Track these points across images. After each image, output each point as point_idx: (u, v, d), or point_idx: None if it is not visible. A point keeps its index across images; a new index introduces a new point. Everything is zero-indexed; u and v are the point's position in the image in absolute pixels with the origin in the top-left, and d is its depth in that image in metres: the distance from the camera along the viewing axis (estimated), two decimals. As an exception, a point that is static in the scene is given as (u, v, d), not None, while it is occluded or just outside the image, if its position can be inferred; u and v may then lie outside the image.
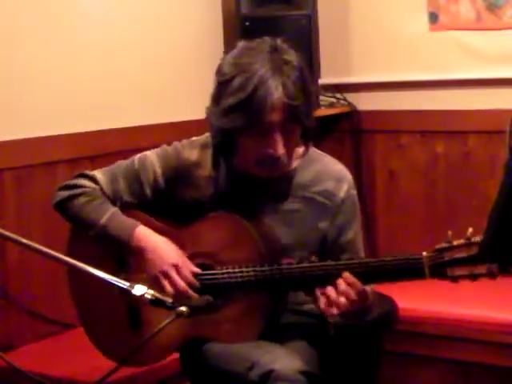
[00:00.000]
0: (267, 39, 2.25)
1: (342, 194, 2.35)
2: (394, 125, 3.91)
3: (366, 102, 3.97)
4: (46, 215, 3.06)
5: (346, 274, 2.15)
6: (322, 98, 3.85)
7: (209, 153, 2.35)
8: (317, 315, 2.47)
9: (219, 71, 2.23)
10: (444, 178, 3.82)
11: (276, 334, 2.32)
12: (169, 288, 2.24)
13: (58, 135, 3.21)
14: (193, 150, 2.37)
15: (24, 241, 1.85)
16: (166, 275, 2.25)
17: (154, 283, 2.24)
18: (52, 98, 3.20)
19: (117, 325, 2.38)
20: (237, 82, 2.16)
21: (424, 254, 2.15)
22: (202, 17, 3.78)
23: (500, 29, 3.63)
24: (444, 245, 2.14)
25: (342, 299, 2.15)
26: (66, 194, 2.36)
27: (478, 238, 2.10)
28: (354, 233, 2.38)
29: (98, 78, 3.37)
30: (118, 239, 2.30)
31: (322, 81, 3.79)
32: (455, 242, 2.12)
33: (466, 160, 3.76)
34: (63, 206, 2.37)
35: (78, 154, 3.25)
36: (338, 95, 3.98)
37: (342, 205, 2.35)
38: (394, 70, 3.89)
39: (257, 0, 3.70)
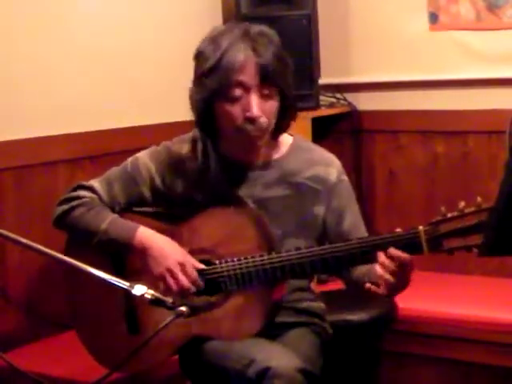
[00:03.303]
0: (244, 23, 2.33)
1: (332, 178, 2.38)
2: (394, 125, 3.91)
3: (365, 102, 3.97)
4: (46, 215, 3.04)
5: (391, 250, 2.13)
6: (322, 97, 3.85)
7: (199, 145, 2.40)
8: (314, 314, 2.47)
9: (195, 51, 2.32)
10: (444, 177, 3.81)
11: (274, 331, 2.33)
12: (174, 286, 2.25)
13: (58, 135, 3.20)
14: (183, 144, 2.41)
15: (24, 241, 1.85)
16: (172, 273, 2.26)
17: (159, 281, 2.26)
18: (52, 98, 3.20)
19: (115, 330, 2.38)
20: (207, 51, 2.26)
21: (420, 228, 2.16)
22: (202, 17, 3.78)
23: (500, 29, 3.63)
24: (439, 218, 2.15)
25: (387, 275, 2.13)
26: (65, 207, 2.39)
27: (470, 209, 2.11)
28: (354, 216, 2.39)
29: (98, 78, 3.36)
30: (121, 242, 2.31)
31: (321, 81, 3.79)
32: (449, 215, 2.14)
33: (466, 160, 3.76)
34: (63, 220, 2.40)
35: (77, 154, 3.25)
36: (338, 95, 3.98)
37: (334, 189, 2.38)
38: (393, 70, 3.89)
39: (257, 0, 3.70)
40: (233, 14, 3.73)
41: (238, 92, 2.23)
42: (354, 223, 2.37)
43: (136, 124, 3.48)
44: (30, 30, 3.12)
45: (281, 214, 2.34)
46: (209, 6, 3.82)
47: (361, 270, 2.29)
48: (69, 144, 3.23)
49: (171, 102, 3.61)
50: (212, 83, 2.23)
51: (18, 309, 3.07)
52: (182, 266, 2.26)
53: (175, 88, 3.61)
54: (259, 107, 2.23)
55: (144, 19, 3.55)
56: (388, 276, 2.11)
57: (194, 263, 2.28)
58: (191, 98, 2.32)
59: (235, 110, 2.25)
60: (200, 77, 2.27)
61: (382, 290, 2.16)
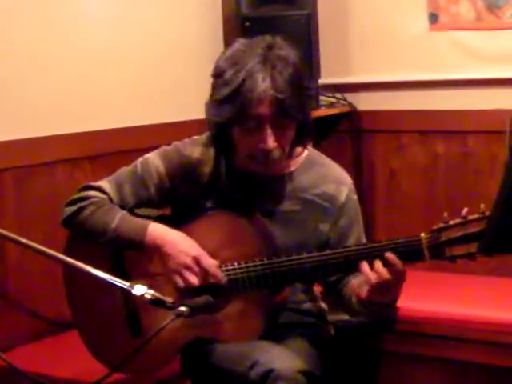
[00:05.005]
0: (266, 36, 2.28)
1: (342, 197, 2.37)
2: (394, 125, 3.91)
3: (365, 102, 3.97)
4: (46, 215, 3.06)
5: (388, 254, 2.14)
6: (321, 97, 3.85)
7: (211, 151, 2.37)
8: (316, 315, 2.47)
9: (215, 66, 2.28)
10: (444, 177, 3.81)
11: (276, 333, 2.33)
12: (193, 280, 2.23)
13: (58, 135, 3.20)
14: (195, 147, 2.38)
15: (24, 241, 1.85)
16: (189, 268, 2.23)
17: (175, 277, 2.24)
18: (52, 98, 3.20)
19: (117, 333, 2.37)
20: (227, 74, 2.21)
21: (422, 235, 2.15)
22: (202, 17, 3.78)
23: (500, 29, 3.63)
24: (441, 225, 2.14)
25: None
26: (73, 208, 2.35)
27: (473, 216, 2.11)
28: (357, 237, 2.39)
29: (98, 77, 3.36)
30: (132, 240, 2.28)
31: (321, 81, 3.79)
32: (451, 222, 2.13)
33: (466, 160, 3.76)
34: (72, 221, 2.36)
35: (77, 154, 3.25)
36: (338, 95, 3.98)
37: (343, 208, 2.37)
38: (393, 70, 3.89)
39: (257, 0, 3.70)
40: (233, 14, 3.72)
41: (253, 123, 2.20)
42: (354, 244, 2.35)
43: (136, 124, 3.47)
44: (29, 30, 3.12)
45: (286, 229, 2.33)
46: (209, 6, 3.81)
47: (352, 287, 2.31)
48: (69, 144, 3.23)
49: (171, 102, 3.61)
50: (228, 112, 2.21)
51: (18, 309, 3.07)
52: (198, 260, 2.24)
53: (175, 88, 3.63)
54: (274, 139, 2.22)
55: (144, 19, 3.55)
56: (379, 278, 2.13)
57: (208, 257, 2.26)
58: (207, 115, 2.30)
59: (250, 139, 2.24)
60: (217, 101, 2.24)
61: (364, 293, 2.18)
